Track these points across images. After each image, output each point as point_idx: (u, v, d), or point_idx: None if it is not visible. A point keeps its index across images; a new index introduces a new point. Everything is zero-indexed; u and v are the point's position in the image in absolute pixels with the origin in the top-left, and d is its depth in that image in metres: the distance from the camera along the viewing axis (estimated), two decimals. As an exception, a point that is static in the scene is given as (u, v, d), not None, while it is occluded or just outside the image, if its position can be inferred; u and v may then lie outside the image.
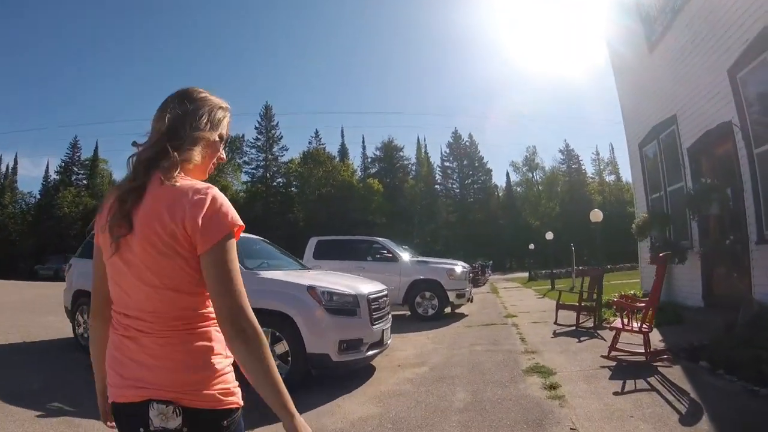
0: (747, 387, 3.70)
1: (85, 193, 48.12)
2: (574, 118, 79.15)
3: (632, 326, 4.86)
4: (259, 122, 54.58)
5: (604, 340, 5.94)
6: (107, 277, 1.18)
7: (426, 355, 5.85)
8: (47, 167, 51.92)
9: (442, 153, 59.71)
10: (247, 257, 5.13)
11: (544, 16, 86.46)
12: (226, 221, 1.08)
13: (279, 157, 54.93)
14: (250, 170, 54.71)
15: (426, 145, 59.61)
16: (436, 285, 9.42)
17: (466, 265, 11.06)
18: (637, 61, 9.31)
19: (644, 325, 4.76)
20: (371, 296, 4.93)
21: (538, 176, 58.44)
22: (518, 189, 59.21)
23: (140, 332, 1.09)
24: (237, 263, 1.09)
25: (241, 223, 1.11)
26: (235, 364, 1.13)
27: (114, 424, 1.20)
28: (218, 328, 1.10)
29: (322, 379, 4.61)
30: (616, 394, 3.88)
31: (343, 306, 4.66)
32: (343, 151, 57.78)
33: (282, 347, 4.36)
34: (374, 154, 58.70)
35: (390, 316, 5.44)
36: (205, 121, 1.19)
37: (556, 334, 6.82)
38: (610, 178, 57.68)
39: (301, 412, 1.08)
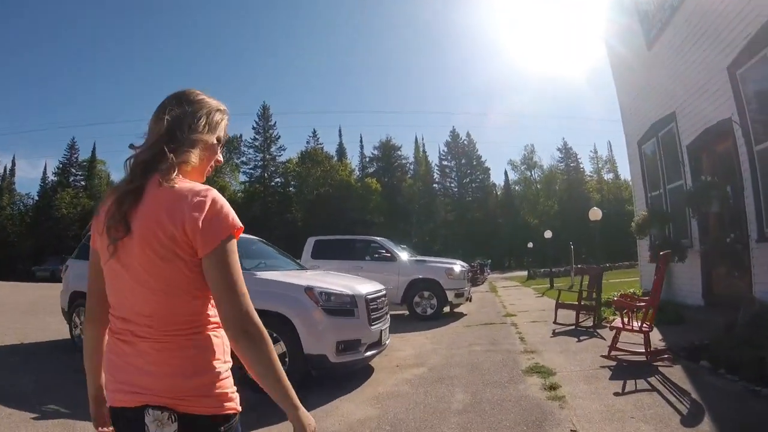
0: (749, 387, 3.66)
1: (83, 194, 48.15)
2: (572, 116, 79.34)
3: (632, 326, 4.83)
4: (256, 122, 54.66)
5: (604, 339, 5.91)
6: (103, 282, 1.16)
7: (425, 356, 5.81)
8: (45, 168, 52.12)
9: (440, 152, 59.92)
10: (245, 257, 5.06)
11: (542, 14, 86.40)
12: (226, 223, 1.07)
13: (277, 157, 55.05)
14: (247, 170, 54.82)
15: (424, 144, 59.79)
16: (434, 284, 9.38)
17: (465, 264, 11.02)
18: (635, 58, 9.27)
19: (645, 325, 4.72)
20: (369, 296, 4.89)
21: (536, 175, 58.66)
22: (517, 188, 59.33)
23: (137, 337, 1.08)
24: (239, 265, 1.09)
25: (240, 225, 1.11)
26: (233, 367, 1.13)
27: (106, 430, 1.21)
28: (217, 333, 1.11)
29: (320, 380, 4.57)
30: (616, 394, 3.84)
31: (340, 306, 4.62)
32: (341, 151, 57.83)
33: (279, 348, 4.30)
34: (372, 154, 58.87)
35: (388, 316, 5.40)
36: (203, 123, 1.18)
37: (555, 334, 6.78)
38: (608, 177, 57.86)
39: None
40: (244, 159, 54.48)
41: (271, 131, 54.86)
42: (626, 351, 4.97)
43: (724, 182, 6.58)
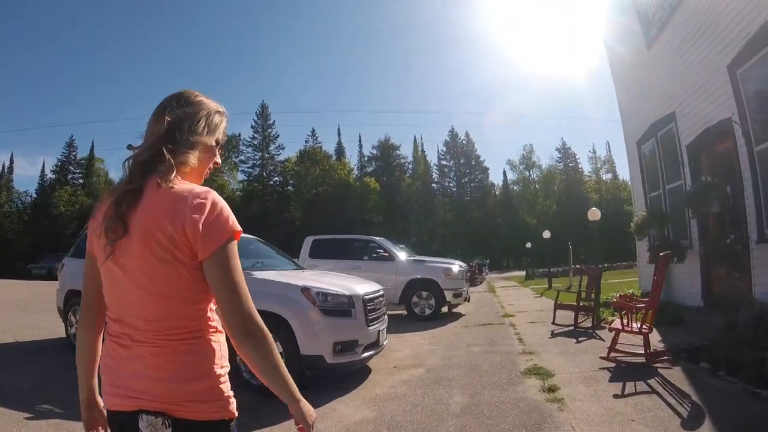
0: (749, 389, 3.64)
1: (81, 192, 48.16)
2: (571, 116, 79.34)
3: (632, 327, 4.79)
4: (255, 121, 54.64)
5: (603, 340, 5.88)
6: (98, 285, 1.15)
7: (422, 357, 5.77)
8: (43, 166, 52.17)
9: (438, 151, 59.96)
10: (242, 257, 4.98)
11: (541, 13, 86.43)
12: (227, 226, 1.07)
13: (275, 156, 54.99)
14: (246, 169, 54.78)
15: (423, 144, 59.84)
16: (432, 284, 9.33)
17: (463, 264, 10.98)
18: (634, 57, 9.24)
19: (644, 326, 4.69)
20: (366, 297, 4.85)
21: (535, 175, 58.67)
22: (515, 187, 59.36)
23: (135, 341, 1.07)
24: (240, 267, 1.09)
25: (239, 228, 1.11)
26: (231, 371, 1.14)
27: None
28: (216, 338, 1.11)
29: (317, 380, 4.52)
30: (616, 396, 3.81)
31: (337, 307, 4.58)
32: (340, 150, 57.83)
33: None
34: (371, 153, 58.89)
35: (386, 316, 5.36)
36: (202, 125, 1.18)
37: (554, 335, 6.75)
38: (606, 177, 57.93)
39: None
40: (242, 158, 54.58)
41: (269, 130, 54.85)
42: (625, 352, 4.94)
43: (724, 182, 6.55)
